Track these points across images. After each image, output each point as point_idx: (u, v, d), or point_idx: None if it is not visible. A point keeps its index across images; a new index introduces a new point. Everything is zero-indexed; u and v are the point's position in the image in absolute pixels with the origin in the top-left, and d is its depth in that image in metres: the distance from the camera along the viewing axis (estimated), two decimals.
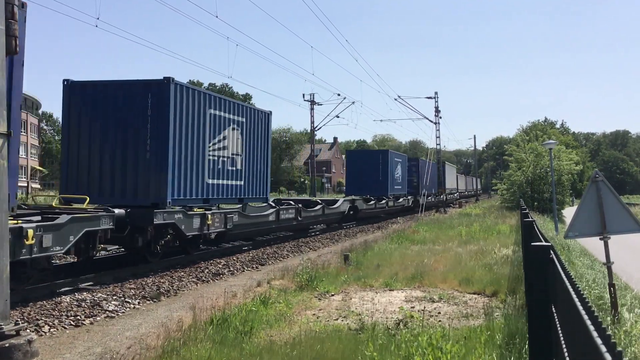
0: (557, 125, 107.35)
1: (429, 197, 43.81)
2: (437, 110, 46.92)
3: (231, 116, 15.80)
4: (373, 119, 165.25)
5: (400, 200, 36.57)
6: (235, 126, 16.10)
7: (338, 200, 26.58)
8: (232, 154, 15.93)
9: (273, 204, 19.38)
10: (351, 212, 27.16)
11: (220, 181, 15.28)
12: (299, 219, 20.65)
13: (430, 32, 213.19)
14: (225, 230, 15.40)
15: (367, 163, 33.25)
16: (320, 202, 24.14)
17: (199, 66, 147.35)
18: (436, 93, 46.86)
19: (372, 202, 30.56)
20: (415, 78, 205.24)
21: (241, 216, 16.39)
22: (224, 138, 15.46)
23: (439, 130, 46.79)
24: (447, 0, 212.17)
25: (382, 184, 32.71)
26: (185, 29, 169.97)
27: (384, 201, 32.38)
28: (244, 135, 16.66)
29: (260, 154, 17.87)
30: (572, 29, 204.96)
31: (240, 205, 17.03)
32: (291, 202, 22.16)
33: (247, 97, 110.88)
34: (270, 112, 18.79)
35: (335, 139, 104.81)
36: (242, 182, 16.59)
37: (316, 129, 49.24)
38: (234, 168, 16.06)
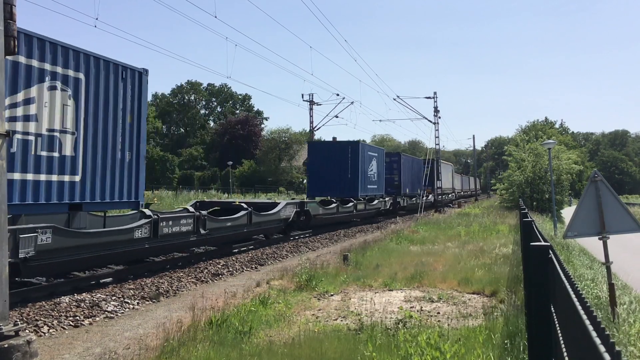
0: (557, 125, 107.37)
1: (414, 199, 40.25)
2: (436, 110, 46.95)
3: (49, 67, 9.88)
4: (372, 119, 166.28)
5: (375, 202, 30.90)
6: (60, 84, 10.13)
7: (279, 203, 19.87)
8: (52, 131, 10.00)
9: (149, 212, 12.52)
10: (302, 219, 21.37)
11: (19, 175, 9.34)
12: (202, 232, 14.24)
13: (429, 32, 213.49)
14: (21, 261, 8.96)
15: (333, 158, 27.71)
16: (246, 206, 17.26)
17: (197, 66, 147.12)
18: (435, 93, 46.92)
19: (333, 205, 24.62)
20: (414, 78, 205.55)
21: (62, 235, 9.77)
22: (29, 102, 9.54)
23: (437, 130, 46.83)
24: (446, 1, 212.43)
25: (350, 183, 27.56)
26: (184, 29, 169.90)
27: (350, 204, 26.64)
28: (81, 101, 10.64)
29: (122, 133, 11.74)
30: (570, 29, 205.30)
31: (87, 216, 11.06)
32: (189, 208, 14.91)
33: (246, 97, 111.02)
34: (145, 70, 12.54)
35: (334, 139, 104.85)
36: (79, 178, 10.59)
37: (315, 129, 49.23)
38: (56, 154, 10.11)
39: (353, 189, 27.65)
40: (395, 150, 65.00)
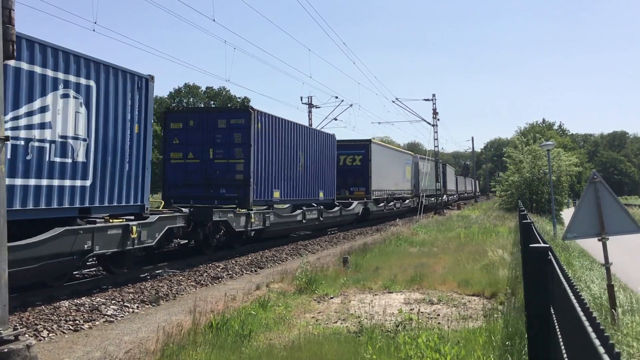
0: (555, 127, 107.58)
1: (299, 213, 20.86)
2: (434, 112, 46.98)
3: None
4: (371, 122, 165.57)
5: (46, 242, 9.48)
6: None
7: None
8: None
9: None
10: None
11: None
12: None
13: (427, 34, 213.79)
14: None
15: None
16: None
17: (196, 69, 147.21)
18: (434, 95, 46.88)
19: None
20: (413, 78, 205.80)
21: None
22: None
23: (436, 132, 46.83)
24: (444, 2, 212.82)
25: None
26: (182, 32, 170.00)
27: None
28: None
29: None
30: (569, 30, 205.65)
31: None
32: None
33: (245, 100, 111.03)
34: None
35: None
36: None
37: None
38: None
39: None
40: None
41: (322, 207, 22.90)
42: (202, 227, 14.97)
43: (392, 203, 34.25)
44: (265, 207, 18.20)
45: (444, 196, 50.00)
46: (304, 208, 21.08)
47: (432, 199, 46.76)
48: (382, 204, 31.73)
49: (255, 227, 17.26)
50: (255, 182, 17.41)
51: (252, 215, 16.93)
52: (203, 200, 16.93)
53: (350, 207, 26.47)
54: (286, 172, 19.63)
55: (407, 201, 38.59)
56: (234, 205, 16.82)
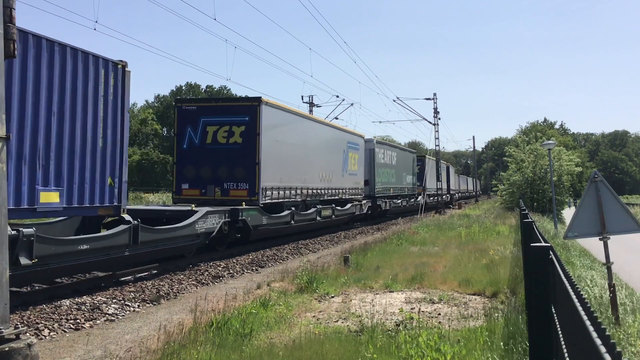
0: (556, 126, 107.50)
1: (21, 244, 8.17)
2: (435, 112, 46.98)
3: None
4: (372, 121, 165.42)
5: None
6: None
7: None
8: None
9: None
10: None
11: None
12: None
13: (429, 33, 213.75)
14: None
15: None
16: None
17: (197, 68, 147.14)
18: (435, 94, 46.87)
19: None
20: (414, 79, 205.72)
21: None
22: None
23: (437, 131, 46.82)
24: (445, 2, 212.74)
25: None
26: (183, 31, 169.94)
27: None
28: None
29: None
30: (570, 29, 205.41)
31: None
32: None
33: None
34: None
35: None
36: None
37: None
38: None
39: None
40: None
41: (35, 233, 8.85)
42: None
43: (312, 210, 21.12)
44: None
45: (419, 197, 40.75)
46: None
47: (399, 200, 34.93)
48: (285, 213, 18.91)
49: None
50: None
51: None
52: None
53: (182, 225, 13.24)
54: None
55: (349, 206, 25.45)
56: None
